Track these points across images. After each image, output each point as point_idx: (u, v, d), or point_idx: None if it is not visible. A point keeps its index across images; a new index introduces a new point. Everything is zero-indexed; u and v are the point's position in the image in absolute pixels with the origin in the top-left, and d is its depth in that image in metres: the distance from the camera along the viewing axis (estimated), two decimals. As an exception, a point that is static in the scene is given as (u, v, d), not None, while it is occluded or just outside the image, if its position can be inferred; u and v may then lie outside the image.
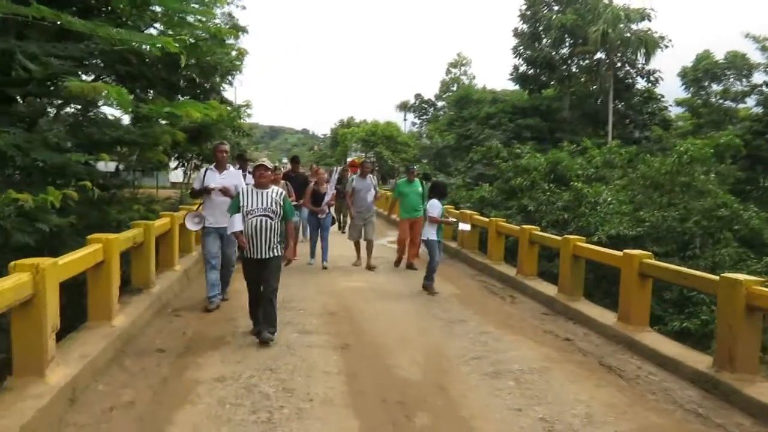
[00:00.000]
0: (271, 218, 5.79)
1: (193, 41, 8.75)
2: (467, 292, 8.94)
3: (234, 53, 10.32)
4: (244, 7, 25.37)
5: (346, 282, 9.20)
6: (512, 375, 5.32)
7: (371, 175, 10.75)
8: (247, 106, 33.51)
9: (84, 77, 8.03)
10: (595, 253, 7.62)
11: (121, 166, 11.64)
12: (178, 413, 4.28)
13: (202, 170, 7.33)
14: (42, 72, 7.43)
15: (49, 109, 8.84)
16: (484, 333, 6.67)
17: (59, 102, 8.50)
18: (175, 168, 17.01)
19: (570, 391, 4.98)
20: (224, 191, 6.85)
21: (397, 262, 10.67)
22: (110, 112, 9.59)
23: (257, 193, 5.87)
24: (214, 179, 7.05)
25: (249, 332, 6.21)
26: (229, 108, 13.87)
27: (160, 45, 6.59)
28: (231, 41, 13.56)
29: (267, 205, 5.81)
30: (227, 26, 21.74)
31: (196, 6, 8.36)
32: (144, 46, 6.98)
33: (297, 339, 6.17)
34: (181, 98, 19.11)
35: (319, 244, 10.68)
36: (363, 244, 10.55)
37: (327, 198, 10.41)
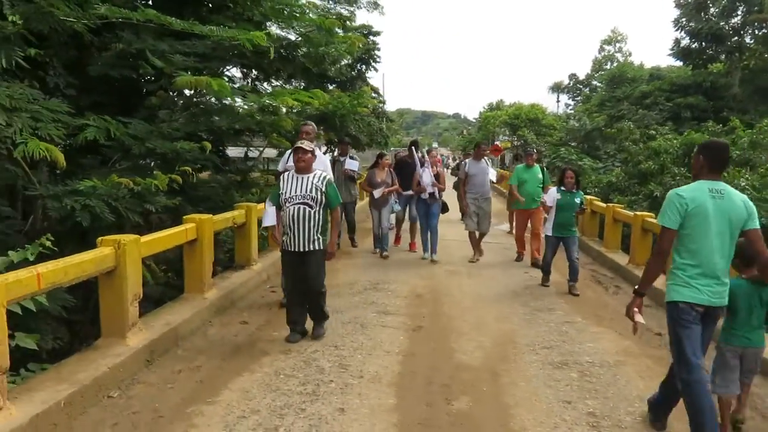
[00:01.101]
0: (310, 206, 5.24)
1: (299, 33, 9.18)
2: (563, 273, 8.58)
3: (346, 44, 10.55)
4: None
5: (446, 266, 9.22)
6: (579, 367, 5.10)
7: (487, 159, 9.81)
8: (376, 92, 34.30)
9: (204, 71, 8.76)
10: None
11: (250, 152, 12.58)
12: (236, 379, 4.65)
13: (287, 153, 6.84)
14: (168, 68, 8.26)
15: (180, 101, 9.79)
16: (568, 323, 6.42)
17: (189, 94, 9.36)
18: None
19: (635, 387, 4.69)
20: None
21: (519, 257, 9.77)
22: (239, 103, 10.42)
23: (297, 178, 5.34)
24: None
25: (284, 339, 5.55)
26: (372, 94, 13.99)
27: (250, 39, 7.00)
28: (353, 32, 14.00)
29: (306, 191, 5.26)
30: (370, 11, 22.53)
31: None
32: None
33: (373, 319, 6.36)
34: (331, 86, 20.10)
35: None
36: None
37: (425, 180, 9.35)
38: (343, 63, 34.44)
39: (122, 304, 4.72)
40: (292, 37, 9.62)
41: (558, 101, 59.93)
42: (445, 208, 9.75)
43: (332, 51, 10.00)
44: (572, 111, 54.81)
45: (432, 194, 9.30)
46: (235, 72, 10.68)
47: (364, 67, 34.65)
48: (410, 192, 9.97)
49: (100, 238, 4.73)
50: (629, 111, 33.99)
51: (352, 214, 10.50)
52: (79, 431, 3.75)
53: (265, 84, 11.57)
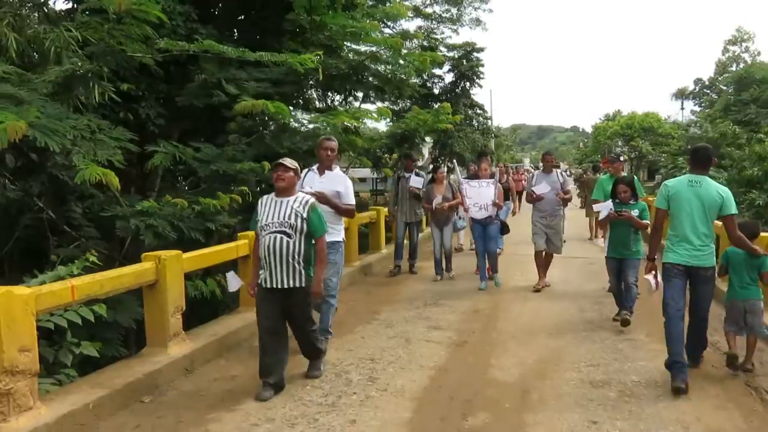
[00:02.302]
0: (288, 235, 4.44)
1: (361, 54, 9.42)
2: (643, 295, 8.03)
3: (417, 62, 10.64)
4: (491, 11, 25.99)
5: (517, 281, 8.96)
6: (620, 386, 4.79)
7: (559, 171, 8.54)
8: (481, 108, 33.84)
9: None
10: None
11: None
12: (264, 390, 4.80)
13: (304, 171, 5.79)
14: (243, 95, 8.78)
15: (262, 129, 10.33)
16: (628, 340, 6.04)
17: (265, 119, 9.87)
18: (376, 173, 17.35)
19: (677, 410, 4.33)
20: (320, 197, 5.19)
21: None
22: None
23: (276, 203, 4.56)
24: (313, 183, 5.57)
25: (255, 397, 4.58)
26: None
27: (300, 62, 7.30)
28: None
29: (284, 218, 4.47)
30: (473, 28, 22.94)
31: (364, 21, 9.00)
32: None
33: (422, 333, 6.31)
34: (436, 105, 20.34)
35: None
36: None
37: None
38: (447, 81, 34.68)
39: (164, 316, 5.05)
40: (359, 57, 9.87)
41: (682, 108, 56.40)
42: (505, 229, 8.93)
43: (398, 69, 10.12)
44: (696, 118, 51.30)
45: (490, 214, 8.27)
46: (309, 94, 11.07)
47: (468, 84, 34.75)
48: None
49: (143, 254, 5.10)
50: (758, 114, 31.32)
51: (416, 237, 9.72)
52: (105, 431, 4.04)
53: (344, 104, 11.90)
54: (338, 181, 5.69)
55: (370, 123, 18.96)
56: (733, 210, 4.81)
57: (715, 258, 4.93)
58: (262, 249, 4.55)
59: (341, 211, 5.66)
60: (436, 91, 33.15)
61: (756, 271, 5.11)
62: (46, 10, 9.19)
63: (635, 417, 4.23)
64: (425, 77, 32.75)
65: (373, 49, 9.64)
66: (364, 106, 11.80)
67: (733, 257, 5.17)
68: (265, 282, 4.57)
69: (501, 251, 11.27)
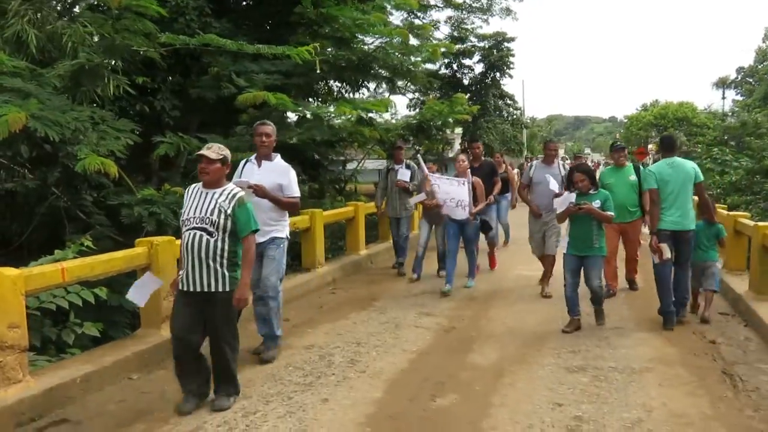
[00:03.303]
0: (209, 233, 3.95)
1: (367, 47, 9.55)
2: (649, 287, 7.98)
3: (428, 52, 10.71)
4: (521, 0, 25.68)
5: (520, 270, 9.00)
6: (596, 372, 4.85)
7: (561, 162, 7.78)
8: (511, 99, 33.59)
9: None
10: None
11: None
12: (249, 369, 4.98)
13: (242, 162, 5.39)
14: (253, 87, 9.01)
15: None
16: (616, 328, 6.07)
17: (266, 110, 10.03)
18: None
19: (645, 395, 4.38)
20: (258, 191, 4.86)
21: (609, 291, 7.08)
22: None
23: (201, 195, 4.06)
24: (252, 175, 5.11)
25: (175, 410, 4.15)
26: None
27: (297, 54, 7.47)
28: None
29: (206, 213, 3.97)
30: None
31: (374, 12, 9.12)
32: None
33: (412, 320, 6.43)
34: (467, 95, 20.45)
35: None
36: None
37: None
38: (477, 71, 34.47)
39: (157, 298, 5.27)
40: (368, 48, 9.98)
41: (724, 98, 54.76)
42: (485, 227, 7.87)
43: (405, 60, 10.21)
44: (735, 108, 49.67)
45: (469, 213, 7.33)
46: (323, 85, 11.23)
47: (498, 74, 34.49)
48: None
49: (137, 239, 5.35)
50: (798, 104, 30.27)
51: (404, 233, 8.79)
52: (90, 404, 4.29)
53: (356, 94, 12.03)
54: (279, 172, 5.14)
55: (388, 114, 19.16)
56: (701, 178, 6.06)
57: (694, 223, 5.99)
58: (182, 246, 4.06)
59: (283, 205, 5.12)
60: (465, 82, 33.14)
61: (714, 237, 6.27)
62: (67, 6, 9.58)
63: (601, 400, 4.29)
64: (455, 68, 32.86)
65: (380, 40, 9.74)
66: (377, 96, 11.92)
67: (699, 227, 6.12)
68: (182, 284, 4.06)
69: (506, 244, 11.22)
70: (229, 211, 3.99)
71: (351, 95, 11.44)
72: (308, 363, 5.15)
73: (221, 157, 4.05)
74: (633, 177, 7.11)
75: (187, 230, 4.02)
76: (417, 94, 28.31)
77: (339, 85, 10.78)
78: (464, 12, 30.09)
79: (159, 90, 10.01)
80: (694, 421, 3.97)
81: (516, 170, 25.74)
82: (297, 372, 4.94)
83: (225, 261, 4.02)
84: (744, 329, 6.01)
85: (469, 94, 32.64)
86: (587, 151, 79.74)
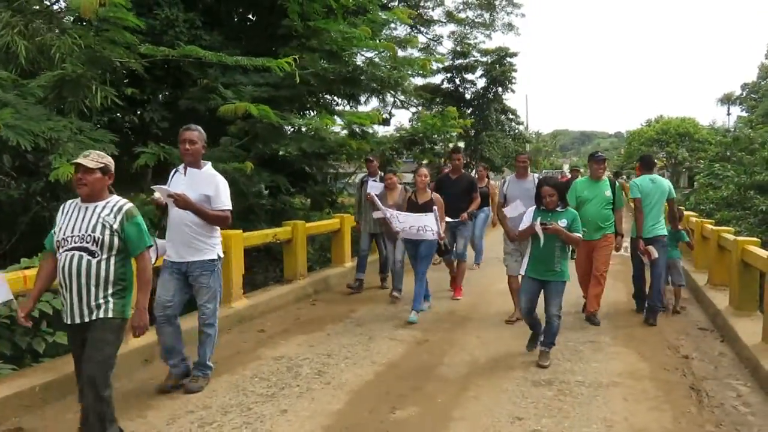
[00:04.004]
0: (91, 253, 3.39)
1: (362, 59, 9.63)
2: (630, 300, 7.92)
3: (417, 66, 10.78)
4: (523, 15, 26.10)
5: (503, 284, 8.92)
6: (562, 386, 4.80)
7: (536, 176, 7.01)
8: (513, 113, 33.76)
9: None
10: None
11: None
12: (215, 379, 4.93)
13: (172, 172, 4.87)
14: (241, 99, 9.05)
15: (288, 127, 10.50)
16: (590, 342, 6.03)
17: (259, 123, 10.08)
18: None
19: (608, 410, 4.34)
20: (180, 202, 4.37)
21: (595, 319, 6.72)
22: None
23: (80, 210, 3.48)
24: (178, 185, 4.58)
25: None
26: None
27: (278, 66, 7.52)
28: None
29: (86, 230, 3.41)
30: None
31: (363, 26, 9.20)
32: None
33: (388, 332, 6.41)
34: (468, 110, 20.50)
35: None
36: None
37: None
38: (479, 86, 34.63)
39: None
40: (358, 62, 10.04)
41: (729, 114, 54.53)
42: (442, 249, 7.28)
43: (394, 73, 10.26)
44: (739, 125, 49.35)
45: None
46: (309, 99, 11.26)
47: (500, 88, 34.69)
48: (456, 220, 7.56)
49: (107, 248, 5.36)
50: (801, 120, 30.14)
51: (385, 249, 8.37)
52: (48, 412, 4.27)
53: (347, 107, 12.08)
54: (205, 182, 4.58)
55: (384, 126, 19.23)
56: (674, 195, 7.07)
57: (666, 230, 6.89)
58: (58, 272, 3.47)
59: (210, 218, 4.55)
60: (467, 96, 33.27)
61: (676, 241, 7.36)
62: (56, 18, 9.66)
63: (563, 414, 4.25)
64: (457, 82, 33.06)
65: (369, 54, 9.82)
66: (367, 108, 11.99)
67: (668, 234, 7.04)
68: (65, 316, 3.51)
69: (478, 266, 10.31)
70: (115, 227, 3.44)
71: (343, 108, 11.50)
72: (275, 374, 5.12)
73: (101, 165, 3.46)
74: (608, 192, 6.71)
75: (64, 251, 3.40)
76: (420, 108, 28.47)
77: (329, 97, 10.83)
78: (467, 27, 30.29)
79: (148, 101, 10.08)
80: (653, 436, 3.93)
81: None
82: (262, 383, 4.91)
83: (110, 286, 3.46)
84: (720, 345, 5.96)
85: (471, 109, 32.80)
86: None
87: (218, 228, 4.77)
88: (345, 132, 12.20)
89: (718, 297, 7.17)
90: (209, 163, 4.79)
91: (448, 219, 7.25)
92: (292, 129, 9.63)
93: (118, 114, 9.80)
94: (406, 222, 6.77)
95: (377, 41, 10.05)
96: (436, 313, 7.22)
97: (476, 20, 29.50)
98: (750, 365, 5.10)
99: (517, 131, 35.67)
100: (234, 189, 8.40)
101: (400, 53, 17.68)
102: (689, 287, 8.63)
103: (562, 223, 5.12)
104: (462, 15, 28.63)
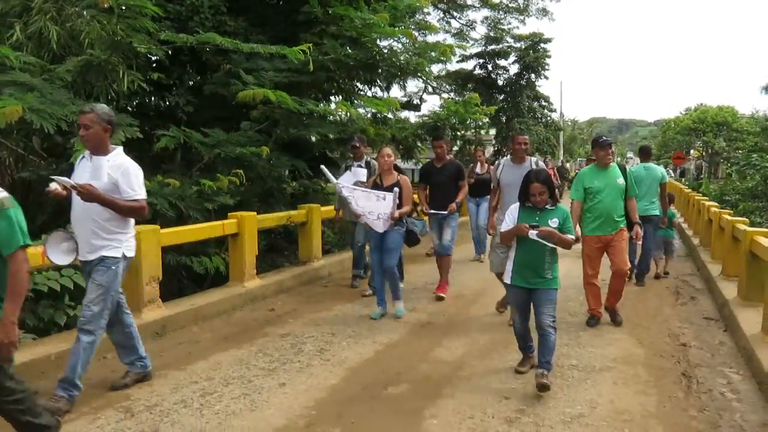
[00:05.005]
0: None
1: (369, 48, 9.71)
2: (643, 290, 7.95)
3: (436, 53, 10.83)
4: (558, 0, 25.59)
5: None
6: (555, 369, 4.83)
7: (535, 159, 6.33)
8: (546, 100, 33.50)
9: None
10: None
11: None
12: (219, 354, 5.21)
13: (79, 159, 4.41)
14: (258, 84, 9.25)
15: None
16: (593, 328, 6.09)
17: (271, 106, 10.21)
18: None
19: (595, 392, 4.44)
20: (83, 192, 3.86)
21: (592, 319, 6.19)
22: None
23: None
24: (83, 174, 4.13)
25: None
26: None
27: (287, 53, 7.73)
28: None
29: None
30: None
31: (384, 12, 9.32)
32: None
33: (394, 314, 6.55)
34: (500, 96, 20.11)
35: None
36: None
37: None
38: (512, 72, 34.44)
39: (139, 284, 5.57)
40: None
41: (771, 102, 52.92)
42: (411, 238, 6.57)
43: (414, 59, 10.32)
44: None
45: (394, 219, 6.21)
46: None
47: (533, 75, 34.38)
48: (443, 211, 7.08)
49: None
50: None
51: (359, 240, 7.71)
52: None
53: (370, 93, 12.17)
54: (112, 170, 4.04)
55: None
56: (666, 180, 8.27)
57: (659, 210, 8.10)
58: None
59: (121, 209, 4.05)
60: (500, 83, 33.07)
61: (669, 220, 8.63)
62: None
63: (550, 396, 4.35)
64: (489, 68, 32.86)
65: (387, 42, 9.91)
66: (396, 94, 12.09)
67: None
68: None
69: (482, 258, 9.69)
70: None
71: (364, 94, 11.58)
72: (279, 350, 5.34)
73: None
74: (621, 180, 6.08)
75: None
76: (452, 94, 28.42)
77: (351, 84, 10.95)
78: (501, 12, 30.04)
79: (175, 86, 10.36)
80: (634, 418, 4.02)
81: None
82: (265, 358, 5.13)
83: None
84: (721, 334, 5.97)
85: (503, 95, 32.63)
86: (629, 155, 77.93)
87: (131, 222, 4.26)
88: (369, 117, 12.36)
89: (729, 287, 7.13)
90: (119, 148, 4.19)
91: (433, 211, 7.11)
92: (314, 115, 9.79)
93: (146, 98, 10.08)
94: (366, 207, 6.22)
95: (396, 28, 10.11)
96: (447, 297, 7.34)
97: (510, 5, 29.24)
98: (746, 354, 5.12)
99: (549, 118, 35.38)
100: (253, 173, 8.75)
101: (431, 39, 17.77)
102: (703, 277, 8.61)
103: (553, 222, 4.43)
104: (496, 0, 28.42)
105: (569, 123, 67.12)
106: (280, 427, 3.85)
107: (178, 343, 5.51)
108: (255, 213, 7.24)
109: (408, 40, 10.62)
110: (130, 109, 9.73)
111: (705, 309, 6.97)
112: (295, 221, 8.05)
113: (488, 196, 7.67)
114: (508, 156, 6.41)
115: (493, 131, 33.26)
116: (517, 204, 4.63)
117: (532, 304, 4.60)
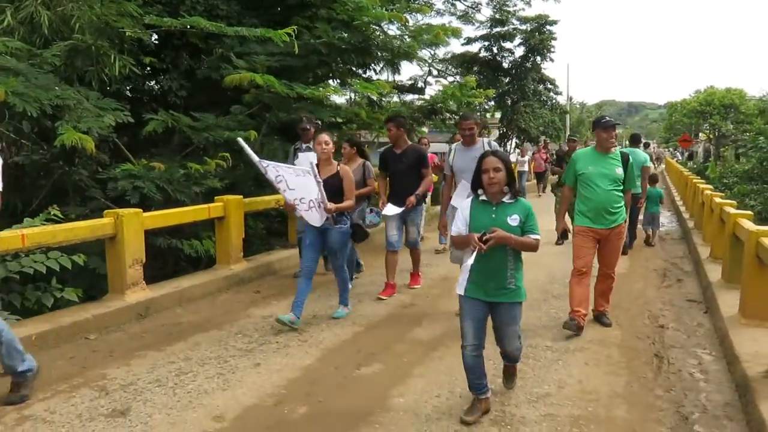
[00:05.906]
0: None
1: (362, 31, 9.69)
2: (629, 272, 7.97)
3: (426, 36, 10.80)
4: None
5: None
6: (529, 350, 4.89)
7: (486, 140, 5.94)
8: (552, 83, 33.26)
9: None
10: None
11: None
12: (199, 334, 5.30)
13: None
14: (249, 68, 9.26)
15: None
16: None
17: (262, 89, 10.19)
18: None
19: (565, 373, 4.49)
20: None
21: (572, 323, 5.30)
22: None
23: None
24: None
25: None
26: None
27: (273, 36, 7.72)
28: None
29: None
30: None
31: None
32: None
33: (376, 299, 6.59)
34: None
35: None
36: None
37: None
38: (517, 55, 34.23)
39: (122, 266, 5.65)
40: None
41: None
42: (358, 234, 5.93)
43: (405, 42, 10.30)
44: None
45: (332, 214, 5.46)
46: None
47: (538, 58, 34.11)
48: (399, 208, 6.47)
49: (106, 210, 5.71)
50: None
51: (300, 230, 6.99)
52: (41, 358, 4.63)
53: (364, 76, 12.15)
54: None
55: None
56: (648, 164, 9.53)
57: (639, 189, 8.56)
58: None
59: None
60: (505, 65, 32.82)
61: (657, 199, 10.58)
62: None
63: (520, 375, 4.37)
64: (494, 51, 32.61)
65: (379, 24, 9.86)
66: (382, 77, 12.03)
67: (648, 192, 9.74)
68: None
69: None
70: None
71: (361, 77, 11.55)
72: (258, 331, 5.42)
73: None
74: (619, 170, 5.32)
75: None
76: (458, 77, 28.24)
77: (343, 67, 10.93)
78: (506, -5, 29.81)
79: (167, 70, 10.38)
80: (600, 398, 4.07)
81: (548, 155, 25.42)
82: (244, 339, 5.21)
83: None
84: (701, 316, 6.00)
85: (508, 78, 32.39)
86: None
87: None
88: (365, 101, 12.36)
89: (715, 270, 7.13)
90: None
91: (391, 206, 6.47)
92: (307, 99, 9.79)
93: (139, 83, 10.12)
94: (296, 190, 5.39)
95: (387, 11, 10.06)
96: (430, 279, 7.41)
97: (515, -14, 29.02)
98: (720, 335, 5.16)
99: (555, 101, 35.14)
100: (244, 158, 8.77)
101: (434, 21, 17.64)
102: (692, 260, 8.62)
103: (513, 220, 3.56)
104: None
105: (577, 106, 66.56)
106: (249, 406, 3.93)
107: (160, 324, 5.60)
108: (241, 196, 7.29)
109: (401, 24, 10.57)
110: (126, 94, 9.81)
111: (690, 291, 6.99)
112: (283, 204, 8.08)
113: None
114: (460, 141, 5.95)
115: (498, 114, 33.10)
116: (470, 199, 3.76)
117: (492, 322, 3.79)
